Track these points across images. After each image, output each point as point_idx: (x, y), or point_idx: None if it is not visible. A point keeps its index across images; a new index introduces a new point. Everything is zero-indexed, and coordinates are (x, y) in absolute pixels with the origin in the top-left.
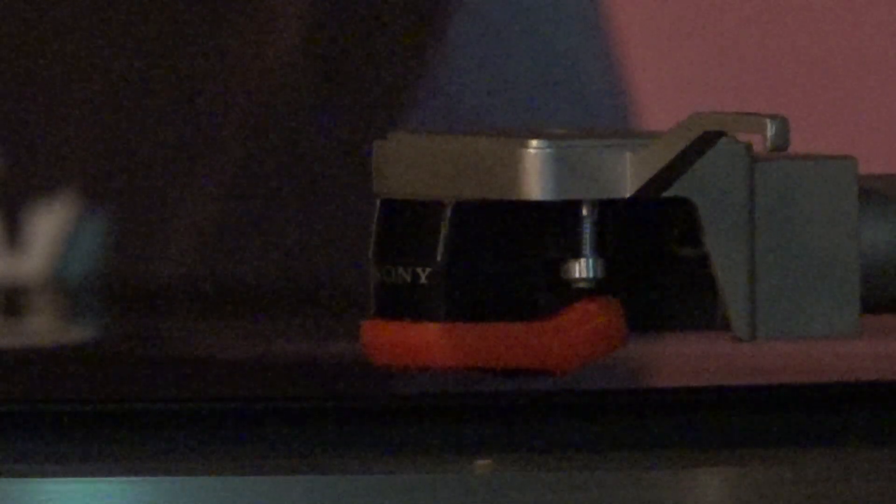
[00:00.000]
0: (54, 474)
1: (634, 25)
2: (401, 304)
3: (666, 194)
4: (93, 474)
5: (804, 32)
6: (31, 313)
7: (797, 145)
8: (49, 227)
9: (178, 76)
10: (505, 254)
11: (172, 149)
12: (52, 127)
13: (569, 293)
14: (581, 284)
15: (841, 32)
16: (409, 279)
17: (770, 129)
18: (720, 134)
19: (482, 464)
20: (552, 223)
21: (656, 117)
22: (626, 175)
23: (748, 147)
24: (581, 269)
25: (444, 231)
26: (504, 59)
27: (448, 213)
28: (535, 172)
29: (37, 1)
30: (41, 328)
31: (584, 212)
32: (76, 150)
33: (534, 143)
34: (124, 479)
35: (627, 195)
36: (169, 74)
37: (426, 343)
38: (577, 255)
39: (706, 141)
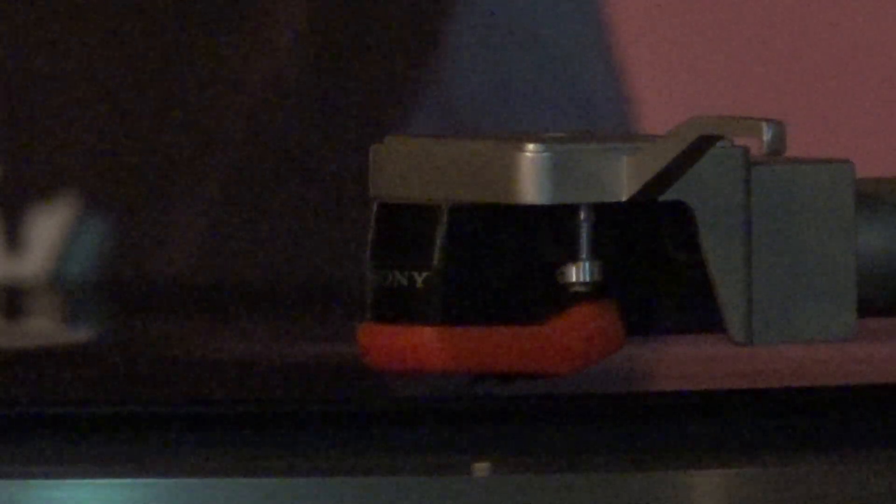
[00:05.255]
0: (54, 475)
1: (634, 26)
2: (397, 307)
3: (663, 198)
4: (92, 475)
5: (803, 35)
6: (31, 314)
7: (794, 149)
8: (49, 227)
9: (178, 78)
10: (502, 257)
11: (172, 150)
12: (52, 128)
13: (566, 297)
14: (578, 288)
15: (839, 35)
16: (405, 282)
17: (767, 133)
18: (717, 138)
19: (479, 467)
20: (549, 227)
21: (655, 119)
22: (623, 178)
23: (745, 151)
24: (578, 272)
25: (440, 235)
26: (504, 59)
27: (445, 216)
28: (531, 176)
29: (37, 2)
30: (41, 328)
31: (581, 215)
32: (76, 151)
33: (530, 146)
34: (124, 479)
35: (624, 198)
36: (169, 76)
37: (422, 347)
38: (575, 258)
39: (703, 144)
